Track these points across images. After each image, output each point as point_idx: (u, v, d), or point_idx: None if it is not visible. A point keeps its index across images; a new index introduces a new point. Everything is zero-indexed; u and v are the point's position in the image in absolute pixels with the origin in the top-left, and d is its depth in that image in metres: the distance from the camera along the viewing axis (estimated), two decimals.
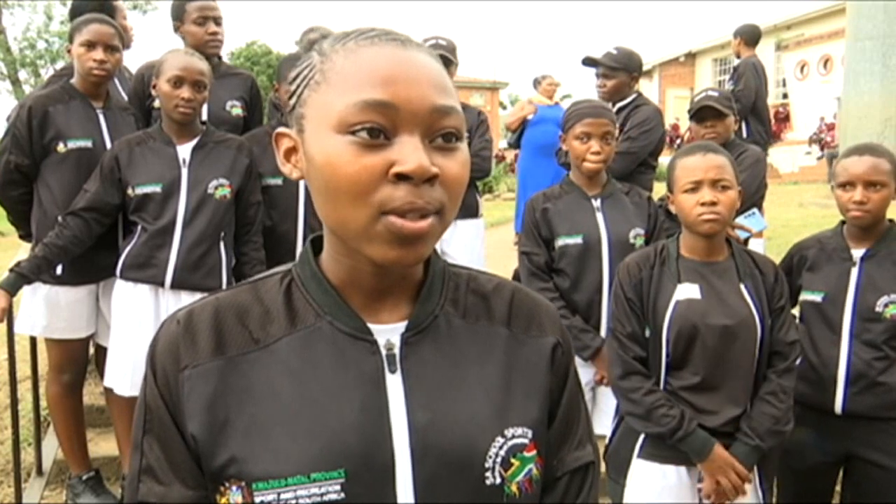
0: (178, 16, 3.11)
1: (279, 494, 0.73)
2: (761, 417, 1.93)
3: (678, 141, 18.40)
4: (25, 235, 2.98)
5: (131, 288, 2.63)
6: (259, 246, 2.80)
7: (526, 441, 0.80)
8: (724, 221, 1.95)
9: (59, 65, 12.62)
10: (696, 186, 1.94)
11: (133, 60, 5.96)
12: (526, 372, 0.84)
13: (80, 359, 3.00)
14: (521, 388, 0.83)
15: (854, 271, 2.18)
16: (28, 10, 28.24)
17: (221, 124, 2.97)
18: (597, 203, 2.55)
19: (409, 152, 0.70)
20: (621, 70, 3.39)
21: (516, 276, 2.82)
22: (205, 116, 2.92)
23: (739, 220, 2.73)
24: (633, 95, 3.44)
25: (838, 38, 15.96)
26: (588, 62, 3.52)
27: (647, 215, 2.59)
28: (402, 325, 0.80)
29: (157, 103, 2.75)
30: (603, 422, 2.29)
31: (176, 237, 2.59)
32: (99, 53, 2.72)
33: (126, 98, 3.20)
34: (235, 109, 3.14)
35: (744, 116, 5.04)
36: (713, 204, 1.91)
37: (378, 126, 0.71)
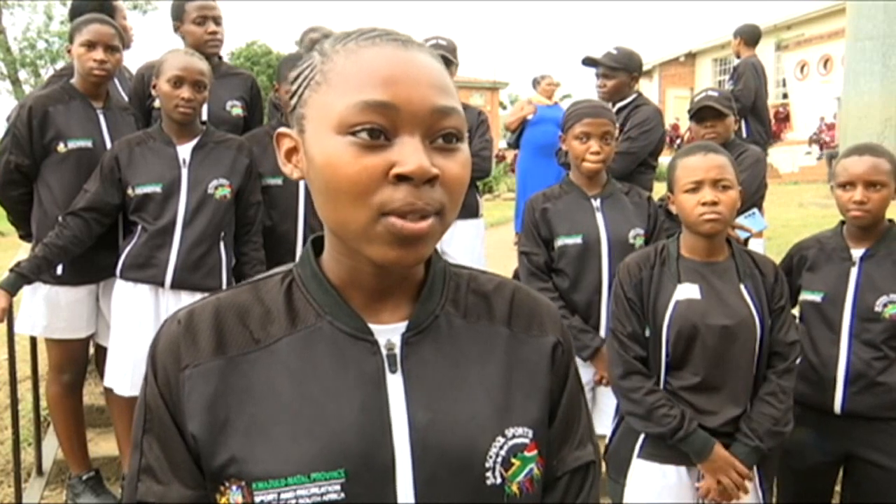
0: (178, 16, 3.11)
1: (279, 494, 0.73)
2: (761, 418, 1.93)
3: (678, 141, 18.39)
4: (25, 235, 2.98)
5: (131, 288, 2.63)
6: (259, 246, 2.80)
7: (526, 441, 0.80)
8: (725, 221, 1.95)
9: (59, 65, 12.63)
10: (697, 186, 1.94)
11: (133, 60, 5.96)
12: (526, 371, 0.84)
13: (80, 359, 3.00)
14: (522, 387, 0.83)
15: (853, 271, 2.18)
16: (28, 10, 28.27)
17: (221, 124, 2.97)
18: (596, 203, 2.55)
19: (409, 153, 0.70)
20: (621, 70, 3.39)
21: (516, 277, 2.81)
22: (205, 116, 2.92)
23: (739, 220, 2.73)
24: (633, 95, 3.44)
25: (838, 38, 15.96)
26: (588, 62, 3.52)
27: (647, 215, 2.59)
28: (402, 325, 0.80)
29: (157, 103, 2.75)
30: (603, 422, 2.29)
31: (176, 237, 2.59)
32: (99, 53, 2.72)
33: (126, 98, 3.21)
34: (235, 109, 3.14)
35: (743, 116, 5.04)
36: (714, 204, 1.91)
37: (378, 127, 0.71)
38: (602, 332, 2.49)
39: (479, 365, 0.82)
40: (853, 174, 2.14)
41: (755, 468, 1.97)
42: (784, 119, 20.84)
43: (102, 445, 3.34)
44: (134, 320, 2.63)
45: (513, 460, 0.79)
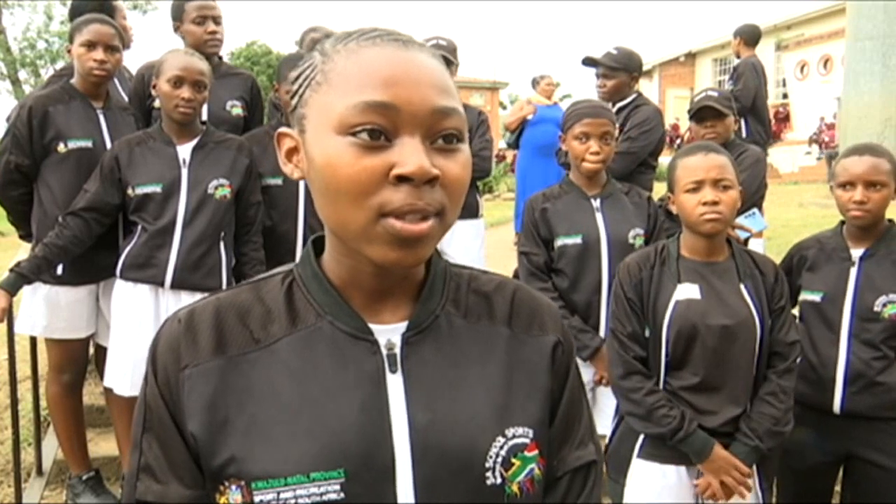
0: (178, 15, 3.11)
1: (279, 494, 0.73)
2: (761, 418, 1.93)
3: (678, 141, 18.40)
4: (25, 235, 2.98)
5: (131, 288, 2.63)
6: (259, 246, 2.80)
7: (527, 441, 0.80)
8: (725, 221, 1.95)
9: (59, 65, 12.62)
10: (697, 186, 1.94)
11: (133, 60, 5.97)
12: (527, 371, 0.84)
13: (80, 359, 3.00)
14: (522, 387, 0.83)
15: (853, 271, 2.18)
16: (28, 10, 28.28)
17: (221, 124, 2.97)
18: (596, 203, 2.55)
19: (409, 154, 0.70)
20: (621, 70, 3.39)
21: (516, 276, 2.82)
22: (205, 116, 2.92)
23: (739, 220, 2.73)
24: (633, 95, 3.44)
25: (838, 38, 15.97)
26: (588, 62, 3.52)
27: (647, 215, 2.59)
28: (402, 325, 0.80)
29: (157, 103, 2.76)
30: (603, 422, 2.28)
31: (176, 237, 2.59)
32: (99, 53, 2.72)
33: (126, 98, 3.21)
34: (235, 109, 3.14)
35: (743, 116, 5.04)
36: (715, 203, 1.91)
37: (379, 127, 0.71)
38: (602, 332, 2.49)
39: (479, 365, 0.82)
40: (853, 174, 2.14)
41: (755, 468, 1.97)
42: (784, 119, 20.85)
43: (102, 445, 3.34)
44: (134, 320, 2.63)
45: (513, 460, 0.79)
